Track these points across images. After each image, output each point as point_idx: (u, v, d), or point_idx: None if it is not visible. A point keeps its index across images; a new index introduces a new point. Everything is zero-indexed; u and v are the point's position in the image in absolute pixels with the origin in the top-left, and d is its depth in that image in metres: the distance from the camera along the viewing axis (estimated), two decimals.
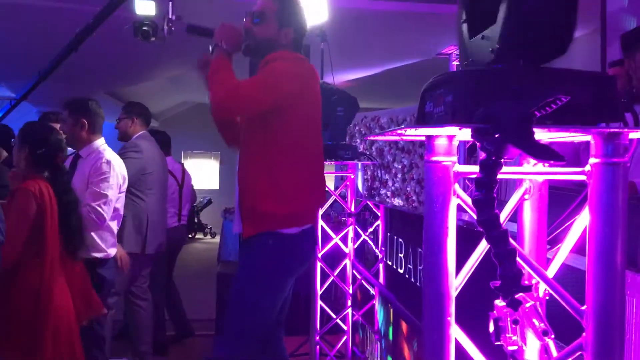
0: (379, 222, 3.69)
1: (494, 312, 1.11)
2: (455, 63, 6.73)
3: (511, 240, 1.08)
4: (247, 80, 2.31)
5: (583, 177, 1.18)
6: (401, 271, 3.17)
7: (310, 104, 2.37)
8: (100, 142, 3.32)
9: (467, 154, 4.86)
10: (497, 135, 1.01)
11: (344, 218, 3.82)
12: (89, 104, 3.32)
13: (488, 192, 1.02)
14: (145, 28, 4.19)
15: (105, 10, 3.88)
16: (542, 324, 1.05)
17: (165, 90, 10.27)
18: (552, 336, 1.05)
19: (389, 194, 7.28)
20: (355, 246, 3.79)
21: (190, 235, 12.66)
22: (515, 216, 1.46)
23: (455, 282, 1.26)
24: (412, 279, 2.94)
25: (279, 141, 2.29)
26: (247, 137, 2.38)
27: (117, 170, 3.27)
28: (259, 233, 2.30)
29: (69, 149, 3.11)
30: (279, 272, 2.34)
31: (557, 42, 1.20)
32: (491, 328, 1.10)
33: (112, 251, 3.32)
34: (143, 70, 8.96)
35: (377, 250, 3.70)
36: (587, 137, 1.18)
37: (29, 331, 2.53)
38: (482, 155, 1.05)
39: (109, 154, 3.30)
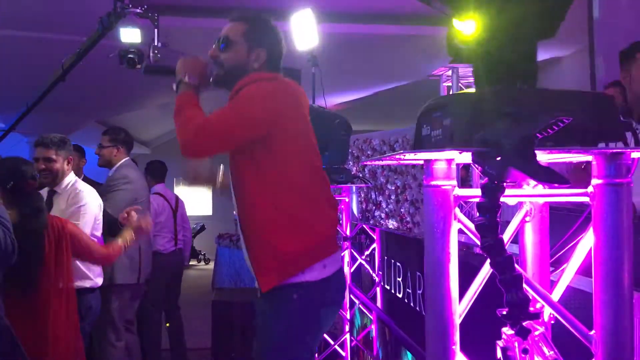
0: (374, 245, 3.66)
1: (502, 340, 1.08)
2: (446, 84, 6.78)
3: (516, 266, 1.05)
4: (216, 114, 1.97)
5: (586, 199, 1.16)
6: (400, 295, 3.12)
7: (298, 120, 2.06)
8: (72, 178, 3.35)
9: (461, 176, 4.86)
10: (498, 159, 0.99)
11: (339, 242, 3.78)
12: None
13: (491, 217, 1.00)
14: (130, 56, 4.18)
15: (92, 39, 3.88)
16: (551, 352, 1.02)
17: (156, 117, 10.28)
18: None
19: (383, 215, 7.25)
20: (352, 270, 3.74)
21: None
22: (517, 237, 1.44)
23: (459, 309, 1.23)
24: (412, 304, 2.90)
25: (278, 170, 1.99)
26: (238, 176, 2.07)
27: (89, 199, 3.26)
28: (282, 285, 1.94)
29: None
30: (307, 329, 1.99)
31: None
32: (499, 357, 1.06)
33: (99, 280, 3.32)
34: (133, 99, 8.98)
35: (374, 274, 3.66)
36: (588, 157, 1.17)
37: None
38: (484, 179, 1.03)
39: (80, 184, 3.33)
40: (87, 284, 3.26)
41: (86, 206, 3.19)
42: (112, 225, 3.35)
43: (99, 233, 3.34)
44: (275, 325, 1.97)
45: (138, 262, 3.90)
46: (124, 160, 4.00)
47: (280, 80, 2.09)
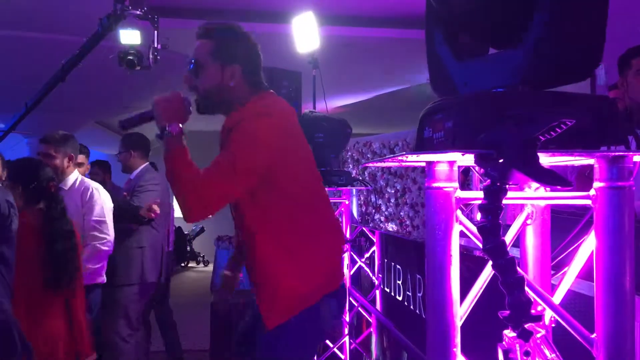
0: (374, 248, 3.65)
1: (503, 342, 1.08)
2: None
3: (518, 269, 1.05)
4: (215, 172, 1.80)
5: (588, 202, 1.16)
6: (400, 298, 3.12)
7: (296, 149, 1.96)
8: (76, 175, 3.48)
9: (461, 178, 4.86)
10: (501, 161, 0.99)
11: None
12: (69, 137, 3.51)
13: (494, 219, 1.00)
14: (130, 57, 4.19)
15: (91, 40, 3.88)
16: (553, 355, 1.02)
17: None
18: None
19: (382, 219, 7.25)
20: (352, 273, 3.74)
21: (182, 264, 12.56)
22: (518, 240, 1.44)
23: (460, 311, 1.22)
24: (412, 307, 2.90)
25: (279, 205, 1.90)
26: (238, 211, 1.96)
27: (104, 198, 3.44)
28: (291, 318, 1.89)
29: None
30: (311, 344, 1.98)
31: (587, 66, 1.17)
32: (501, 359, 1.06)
33: (102, 278, 3.44)
34: (132, 101, 8.98)
35: (373, 277, 3.66)
36: (590, 161, 1.17)
37: None
38: (487, 181, 1.03)
39: (90, 182, 3.49)
40: (98, 280, 3.40)
41: (97, 204, 3.37)
42: (133, 214, 3.69)
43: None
44: (283, 350, 1.91)
45: (160, 262, 4.03)
46: (143, 166, 4.09)
47: (275, 112, 1.93)
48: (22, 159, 3.13)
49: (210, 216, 1.82)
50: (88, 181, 3.47)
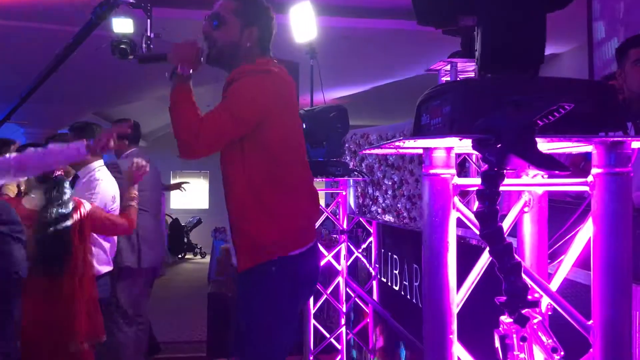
0: (371, 238, 3.65)
1: (500, 328, 1.08)
2: (445, 79, 6.75)
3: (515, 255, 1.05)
4: (211, 115, 1.99)
5: (585, 188, 1.15)
6: (396, 288, 3.12)
7: (286, 114, 2.10)
8: (98, 164, 3.43)
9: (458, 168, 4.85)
10: (498, 146, 0.99)
11: (335, 235, 3.77)
12: (92, 127, 3.52)
13: (491, 205, 0.99)
14: (123, 46, 4.16)
15: (85, 29, 3.86)
16: (550, 341, 1.01)
17: (153, 110, 10.24)
18: (562, 353, 1.02)
19: (379, 210, 7.25)
20: (348, 263, 3.74)
21: (180, 256, 12.55)
22: (514, 230, 1.43)
23: (457, 298, 1.22)
24: (408, 296, 2.90)
25: (261, 161, 2.04)
26: (224, 160, 2.13)
27: (104, 188, 3.35)
28: (259, 264, 2.04)
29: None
30: (286, 300, 2.08)
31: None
32: (497, 346, 1.06)
33: (104, 269, 3.36)
34: (129, 91, 8.95)
35: (370, 268, 3.66)
36: (588, 148, 1.16)
37: None
38: (484, 166, 1.02)
39: (100, 174, 3.40)
40: (105, 269, 3.38)
41: (97, 195, 3.30)
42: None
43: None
44: (255, 298, 2.07)
45: (137, 245, 3.98)
46: (131, 150, 4.18)
47: (272, 73, 2.08)
48: (32, 144, 3.23)
49: (200, 157, 2.02)
50: (99, 171, 3.41)
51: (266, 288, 2.05)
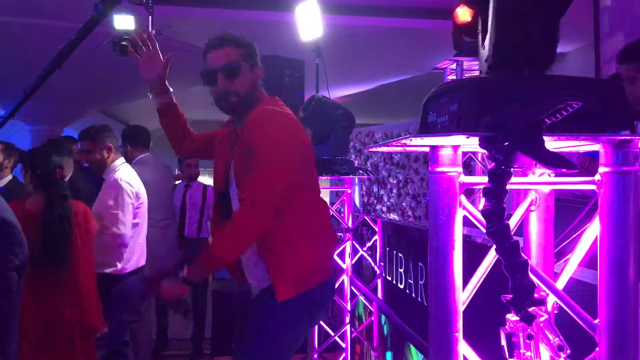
0: (376, 237, 3.65)
1: (506, 326, 1.07)
2: (451, 77, 6.75)
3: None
4: (258, 181, 1.97)
5: (593, 187, 1.15)
6: (401, 286, 3.12)
7: (301, 149, 2.09)
8: (119, 162, 3.40)
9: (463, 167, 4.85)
10: (506, 144, 0.98)
11: (340, 234, 3.78)
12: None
13: (498, 202, 0.99)
14: (123, 43, 4.16)
15: (87, 26, 3.87)
16: (556, 339, 1.01)
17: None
18: (569, 351, 1.01)
19: (384, 209, 7.25)
20: (353, 262, 3.74)
21: None
22: (521, 229, 1.43)
23: (463, 297, 1.22)
24: (413, 294, 2.89)
25: (299, 201, 2.07)
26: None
27: (125, 187, 3.31)
28: (296, 296, 2.05)
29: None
30: (307, 326, 2.23)
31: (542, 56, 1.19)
32: (503, 344, 1.06)
33: (124, 266, 3.34)
34: (134, 89, 8.96)
35: (375, 266, 3.65)
36: (596, 146, 1.16)
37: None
38: (491, 164, 1.02)
39: (121, 172, 3.35)
40: (105, 270, 3.32)
41: (118, 194, 3.27)
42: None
43: (139, 220, 3.44)
44: (284, 328, 2.08)
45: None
46: (140, 157, 4.09)
47: (288, 113, 2.09)
48: (36, 147, 3.35)
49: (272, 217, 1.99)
50: (122, 173, 3.36)
51: (295, 323, 2.10)
